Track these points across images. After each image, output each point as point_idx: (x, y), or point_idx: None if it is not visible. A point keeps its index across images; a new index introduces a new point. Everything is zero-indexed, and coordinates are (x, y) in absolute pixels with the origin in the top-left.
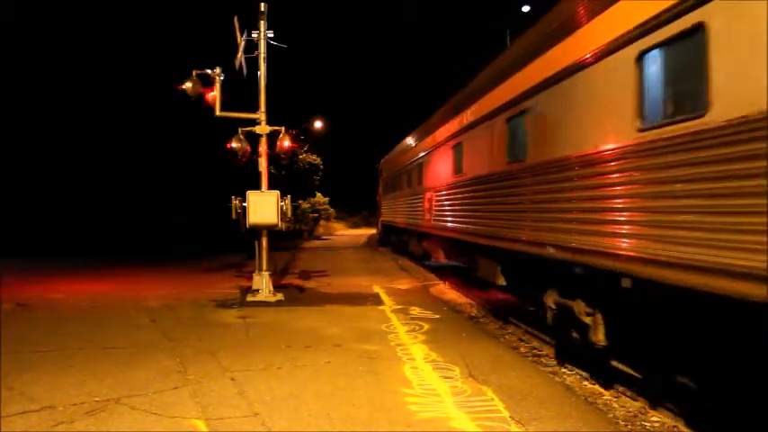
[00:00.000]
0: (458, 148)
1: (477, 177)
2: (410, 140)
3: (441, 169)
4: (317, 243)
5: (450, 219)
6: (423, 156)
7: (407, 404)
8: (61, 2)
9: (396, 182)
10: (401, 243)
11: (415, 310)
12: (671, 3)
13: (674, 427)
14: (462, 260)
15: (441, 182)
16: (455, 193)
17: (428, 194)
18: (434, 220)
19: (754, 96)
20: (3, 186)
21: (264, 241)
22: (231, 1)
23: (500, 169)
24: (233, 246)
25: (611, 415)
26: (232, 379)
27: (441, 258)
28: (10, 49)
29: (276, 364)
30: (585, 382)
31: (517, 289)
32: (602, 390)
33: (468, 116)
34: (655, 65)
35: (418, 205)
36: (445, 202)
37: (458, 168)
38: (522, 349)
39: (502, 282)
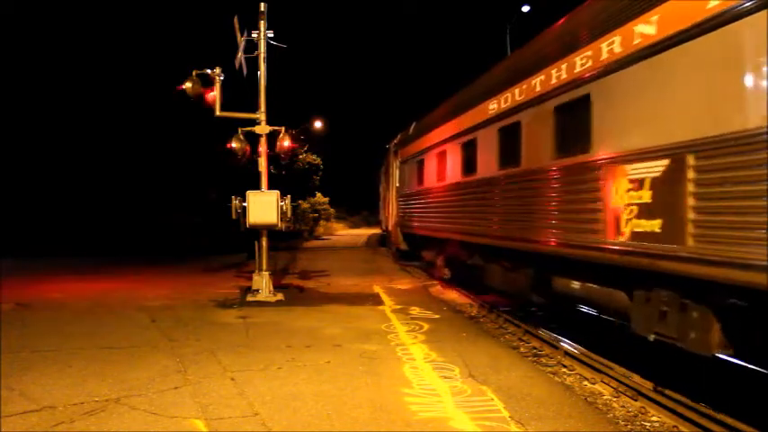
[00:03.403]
0: None
1: None
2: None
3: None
4: (316, 243)
5: None
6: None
7: (407, 404)
8: (61, 1)
9: (443, 163)
10: (461, 269)
11: (415, 310)
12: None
13: (675, 427)
14: None
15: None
16: None
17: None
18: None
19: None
20: (3, 187)
21: (264, 241)
22: (231, 1)
23: None
24: (233, 246)
25: (611, 415)
26: (232, 379)
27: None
28: (9, 48)
29: (276, 363)
30: (585, 382)
31: None
32: (602, 389)
33: None
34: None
35: (545, 202)
36: None
37: None
38: (522, 349)
39: None
